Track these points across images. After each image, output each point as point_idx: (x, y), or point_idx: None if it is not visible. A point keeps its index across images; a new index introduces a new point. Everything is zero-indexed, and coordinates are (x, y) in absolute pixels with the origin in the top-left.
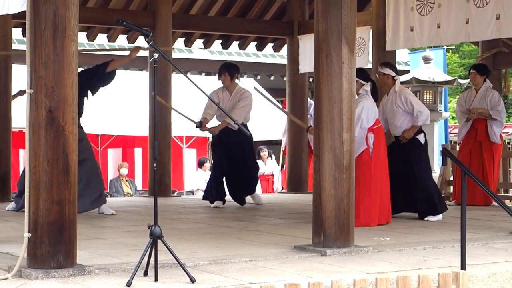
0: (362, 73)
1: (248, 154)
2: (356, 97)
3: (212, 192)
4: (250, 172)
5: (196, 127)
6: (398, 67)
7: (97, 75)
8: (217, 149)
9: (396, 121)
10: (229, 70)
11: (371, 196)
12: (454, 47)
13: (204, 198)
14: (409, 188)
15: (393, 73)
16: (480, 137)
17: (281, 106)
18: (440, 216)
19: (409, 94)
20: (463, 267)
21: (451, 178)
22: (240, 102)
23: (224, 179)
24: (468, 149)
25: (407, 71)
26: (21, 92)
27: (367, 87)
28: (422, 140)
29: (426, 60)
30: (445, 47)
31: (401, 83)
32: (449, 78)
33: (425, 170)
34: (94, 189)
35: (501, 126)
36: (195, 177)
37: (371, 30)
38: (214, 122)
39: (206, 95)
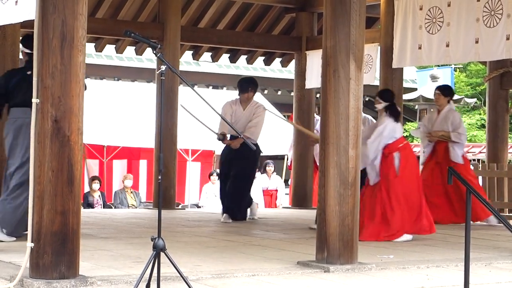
0: (386, 94)
1: (248, 172)
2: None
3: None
4: (241, 190)
5: (218, 139)
6: (405, 84)
7: None
8: (226, 162)
9: None
10: (255, 88)
11: (400, 211)
12: (461, 66)
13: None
14: None
15: None
16: (439, 158)
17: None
18: None
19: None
20: (466, 286)
21: None
22: (254, 119)
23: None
24: (430, 168)
25: (415, 89)
26: None
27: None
28: None
29: (434, 78)
30: (453, 66)
31: (408, 100)
32: (456, 97)
33: None
34: None
35: (463, 147)
36: (204, 190)
37: (379, 47)
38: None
39: (212, 108)
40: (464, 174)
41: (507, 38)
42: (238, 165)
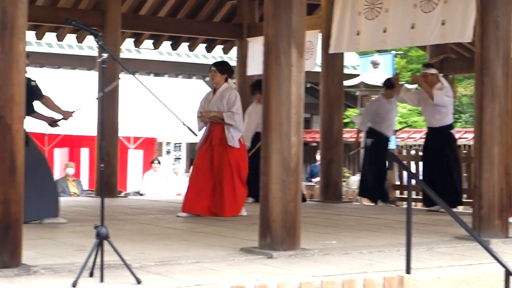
0: None
1: None
2: None
3: None
4: None
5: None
6: (347, 71)
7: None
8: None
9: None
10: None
11: None
12: (402, 52)
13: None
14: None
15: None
16: (215, 141)
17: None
18: None
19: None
20: (408, 271)
21: (398, 182)
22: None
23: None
24: (202, 151)
25: (357, 75)
26: None
27: None
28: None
29: (375, 64)
30: (394, 52)
31: (349, 87)
32: None
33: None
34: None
35: (239, 130)
36: (146, 177)
37: (320, 34)
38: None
39: (154, 95)
40: (237, 158)
41: (442, 23)
42: None
